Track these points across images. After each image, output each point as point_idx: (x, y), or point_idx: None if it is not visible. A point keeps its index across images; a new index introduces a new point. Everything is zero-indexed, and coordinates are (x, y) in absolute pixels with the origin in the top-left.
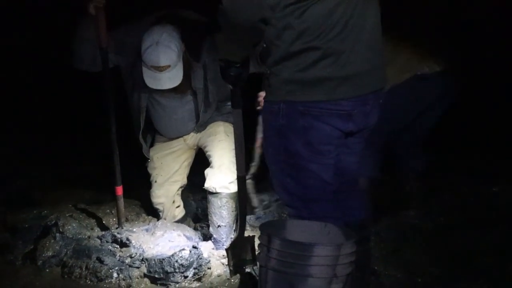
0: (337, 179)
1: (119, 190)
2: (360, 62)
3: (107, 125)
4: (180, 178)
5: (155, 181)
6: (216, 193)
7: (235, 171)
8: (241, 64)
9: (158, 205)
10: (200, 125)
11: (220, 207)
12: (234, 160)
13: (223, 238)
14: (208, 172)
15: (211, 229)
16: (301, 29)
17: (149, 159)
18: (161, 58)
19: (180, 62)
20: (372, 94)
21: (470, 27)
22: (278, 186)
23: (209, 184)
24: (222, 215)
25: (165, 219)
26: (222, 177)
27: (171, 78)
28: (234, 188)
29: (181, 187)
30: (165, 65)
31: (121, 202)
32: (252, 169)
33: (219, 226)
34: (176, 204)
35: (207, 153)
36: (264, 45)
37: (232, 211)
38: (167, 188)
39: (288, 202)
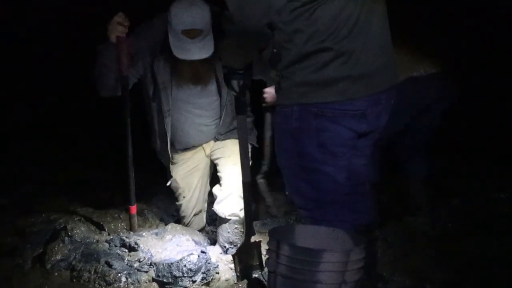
0: (349, 182)
1: (133, 209)
2: (371, 61)
3: (124, 148)
4: (204, 190)
5: (183, 197)
6: (225, 218)
7: None
8: (244, 71)
9: (189, 217)
10: (222, 128)
11: (229, 232)
12: None
13: (230, 253)
14: (217, 193)
15: (217, 245)
16: (310, 31)
17: (171, 177)
18: (196, 19)
19: (211, 34)
20: (384, 93)
21: (469, 28)
22: (292, 189)
23: (218, 208)
24: (230, 239)
25: (185, 224)
26: (232, 205)
27: (202, 48)
28: (243, 214)
29: (206, 194)
30: (199, 28)
31: (135, 220)
32: (264, 168)
33: (227, 249)
34: (202, 210)
35: (219, 173)
36: (274, 50)
37: (241, 236)
38: (194, 201)
39: (301, 205)
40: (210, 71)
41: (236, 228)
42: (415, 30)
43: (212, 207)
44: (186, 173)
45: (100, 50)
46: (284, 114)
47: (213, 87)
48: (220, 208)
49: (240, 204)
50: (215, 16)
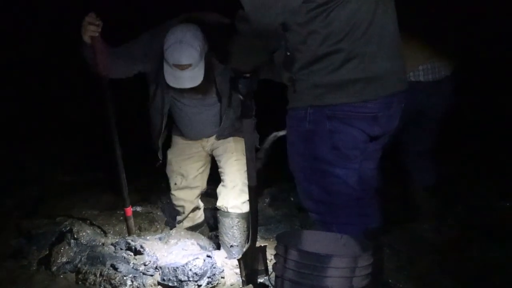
0: (360, 186)
1: (128, 211)
2: (384, 63)
3: (113, 151)
4: (200, 184)
5: (175, 184)
6: (228, 212)
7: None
8: (251, 74)
9: (179, 207)
10: (222, 130)
11: (232, 227)
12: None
13: (235, 257)
14: (221, 190)
15: (222, 249)
16: (326, 32)
17: (160, 160)
18: (183, 56)
19: (202, 62)
20: (396, 96)
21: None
22: (303, 193)
23: (221, 203)
24: (234, 235)
25: (181, 222)
26: (235, 198)
27: (192, 78)
28: (246, 208)
29: (201, 192)
30: (187, 63)
31: (131, 222)
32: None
33: (231, 246)
34: (198, 208)
35: (220, 169)
36: (288, 53)
37: (244, 231)
38: (187, 192)
39: (313, 209)
40: (210, 82)
41: (239, 222)
42: (422, 29)
43: (215, 207)
44: (182, 158)
45: (82, 53)
46: (297, 116)
47: (212, 97)
48: (223, 202)
49: (243, 197)
50: (213, 34)
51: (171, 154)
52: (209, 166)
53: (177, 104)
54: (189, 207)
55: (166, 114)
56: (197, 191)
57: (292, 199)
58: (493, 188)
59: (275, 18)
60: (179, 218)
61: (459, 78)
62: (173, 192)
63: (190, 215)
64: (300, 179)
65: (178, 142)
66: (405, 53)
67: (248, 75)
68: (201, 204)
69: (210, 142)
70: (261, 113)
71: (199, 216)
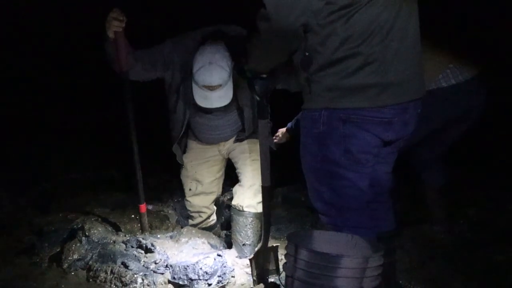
0: (372, 189)
1: (143, 207)
2: (402, 70)
3: (130, 146)
4: (216, 189)
5: (190, 189)
6: (243, 211)
7: None
8: (268, 75)
9: (194, 213)
10: (241, 135)
11: (246, 225)
12: None
13: (246, 256)
14: (237, 190)
15: (234, 248)
16: (345, 35)
17: (182, 165)
18: (213, 78)
19: (231, 81)
20: (412, 102)
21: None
22: (314, 194)
23: (237, 202)
24: (248, 233)
25: (194, 225)
26: (251, 197)
27: (221, 97)
28: (261, 208)
29: (216, 197)
30: (217, 84)
31: (145, 219)
32: None
33: (244, 244)
34: (213, 212)
35: (238, 170)
36: (307, 54)
37: (257, 231)
38: (202, 198)
39: (323, 211)
40: (232, 98)
41: (253, 221)
42: (444, 34)
43: (229, 207)
44: (197, 163)
45: (105, 48)
46: (311, 118)
47: (233, 105)
48: (239, 201)
49: (258, 197)
50: (235, 47)
51: (186, 159)
52: (224, 171)
53: (197, 112)
54: (205, 213)
55: (186, 124)
56: (213, 197)
57: (303, 199)
58: (505, 190)
59: (296, 19)
60: (192, 222)
61: (487, 78)
62: (188, 198)
63: (205, 221)
64: (311, 180)
65: (194, 146)
66: (428, 57)
67: (265, 75)
68: (215, 208)
69: (226, 146)
70: (277, 116)
71: (212, 218)
